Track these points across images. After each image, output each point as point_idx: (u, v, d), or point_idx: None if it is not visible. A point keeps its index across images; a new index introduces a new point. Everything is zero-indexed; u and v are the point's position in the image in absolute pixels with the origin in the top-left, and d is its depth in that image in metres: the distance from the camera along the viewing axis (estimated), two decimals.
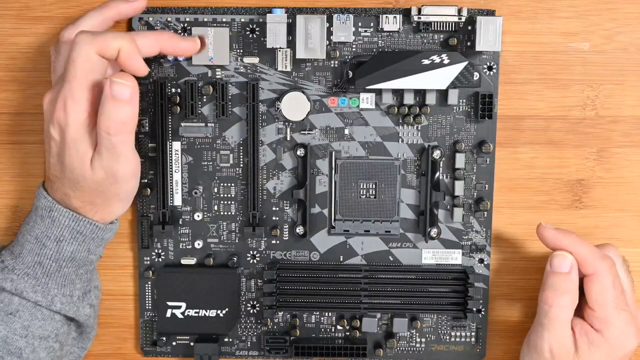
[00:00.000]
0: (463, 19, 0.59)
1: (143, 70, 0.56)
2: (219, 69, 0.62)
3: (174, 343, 0.66)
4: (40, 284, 0.57)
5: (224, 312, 0.64)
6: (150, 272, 0.64)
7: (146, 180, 0.63)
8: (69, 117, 0.53)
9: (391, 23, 0.60)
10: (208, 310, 0.64)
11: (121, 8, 0.59)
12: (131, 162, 0.56)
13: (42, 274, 0.57)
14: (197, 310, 0.64)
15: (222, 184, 0.63)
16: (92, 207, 0.57)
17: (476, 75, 0.59)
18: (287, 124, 0.63)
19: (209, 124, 0.63)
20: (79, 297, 0.59)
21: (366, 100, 0.62)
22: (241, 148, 0.63)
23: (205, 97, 0.62)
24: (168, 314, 0.64)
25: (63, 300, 0.58)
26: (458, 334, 0.65)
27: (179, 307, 0.64)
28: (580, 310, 0.59)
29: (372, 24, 0.61)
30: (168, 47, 0.58)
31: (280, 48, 0.61)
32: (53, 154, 0.56)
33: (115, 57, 0.54)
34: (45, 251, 0.57)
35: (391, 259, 0.64)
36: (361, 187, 0.63)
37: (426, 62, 0.58)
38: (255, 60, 0.62)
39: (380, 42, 0.61)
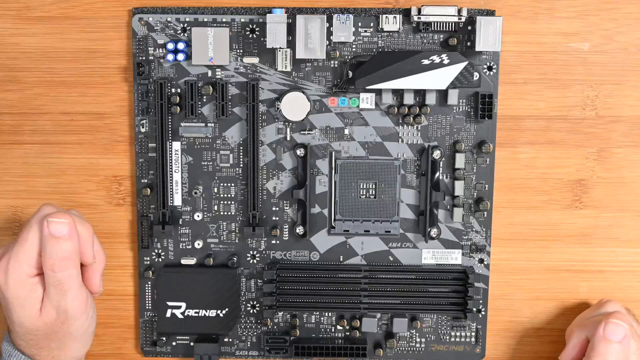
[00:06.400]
0: (463, 19, 0.59)
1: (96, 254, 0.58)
2: (219, 69, 0.62)
3: (174, 343, 0.66)
4: None
5: (224, 312, 0.64)
6: (150, 272, 0.64)
7: (146, 180, 0.63)
8: (9, 277, 0.55)
9: (391, 23, 0.60)
10: (208, 310, 0.64)
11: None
12: (79, 297, 0.57)
13: None
14: (197, 310, 0.64)
15: (222, 184, 0.63)
16: (48, 352, 0.57)
17: (476, 75, 0.59)
18: (287, 124, 0.62)
19: (209, 124, 0.63)
20: None
21: (366, 100, 0.62)
22: (241, 148, 0.63)
23: (205, 97, 0.62)
24: (168, 314, 0.64)
25: None
26: (458, 334, 0.65)
27: (179, 307, 0.64)
28: None
29: (372, 24, 0.61)
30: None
31: (280, 48, 0.61)
32: (3, 309, 0.57)
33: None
34: None
35: (391, 259, 0.64)
36: (361, 187, 0.63)
37: (426, 62, 0.58)
38: (255, 60, 0.62)
39: (380, 42, 0.61)
